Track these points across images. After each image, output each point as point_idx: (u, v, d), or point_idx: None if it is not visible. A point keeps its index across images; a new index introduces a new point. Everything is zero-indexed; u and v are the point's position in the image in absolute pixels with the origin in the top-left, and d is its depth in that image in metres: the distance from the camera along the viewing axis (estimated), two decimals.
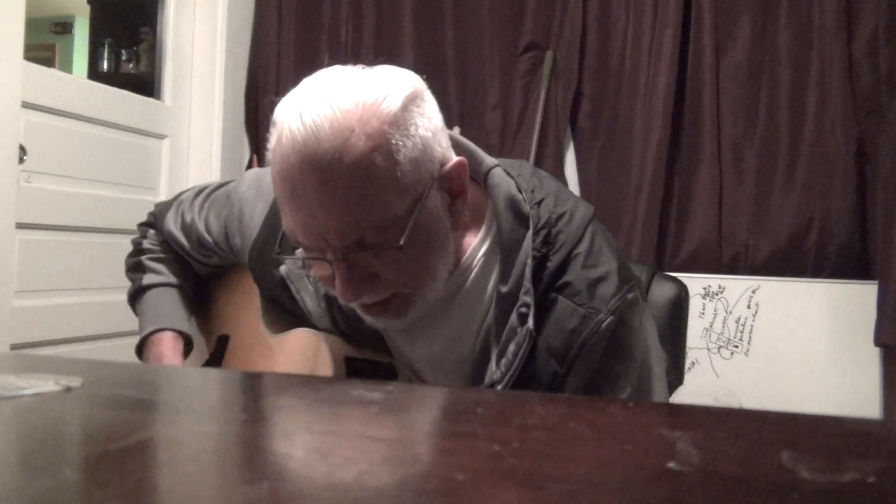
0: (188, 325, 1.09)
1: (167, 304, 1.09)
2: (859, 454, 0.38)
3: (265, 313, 1.04)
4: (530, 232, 0.83)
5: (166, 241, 1.12)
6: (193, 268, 1.14)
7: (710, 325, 2.19)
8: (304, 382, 0.70)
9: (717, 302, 2.20)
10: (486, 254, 0.87)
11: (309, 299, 0.94)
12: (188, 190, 1.14)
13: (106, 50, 2.86)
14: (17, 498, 0.30)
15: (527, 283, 0.81)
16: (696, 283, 2.19)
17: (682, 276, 1.31)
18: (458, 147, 0.87)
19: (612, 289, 0.82)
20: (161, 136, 2.53)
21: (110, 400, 0.54)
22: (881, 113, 2.13)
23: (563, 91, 2.45)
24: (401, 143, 0.74)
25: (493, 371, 0.83)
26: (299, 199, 0.74)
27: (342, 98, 0.74)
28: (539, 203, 0.85)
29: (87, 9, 3.03)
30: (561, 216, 0.85)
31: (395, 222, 0.75)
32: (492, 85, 2.53)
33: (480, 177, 0.89)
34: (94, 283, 2.17)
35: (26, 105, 1.95)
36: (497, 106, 2.52)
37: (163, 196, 2.51)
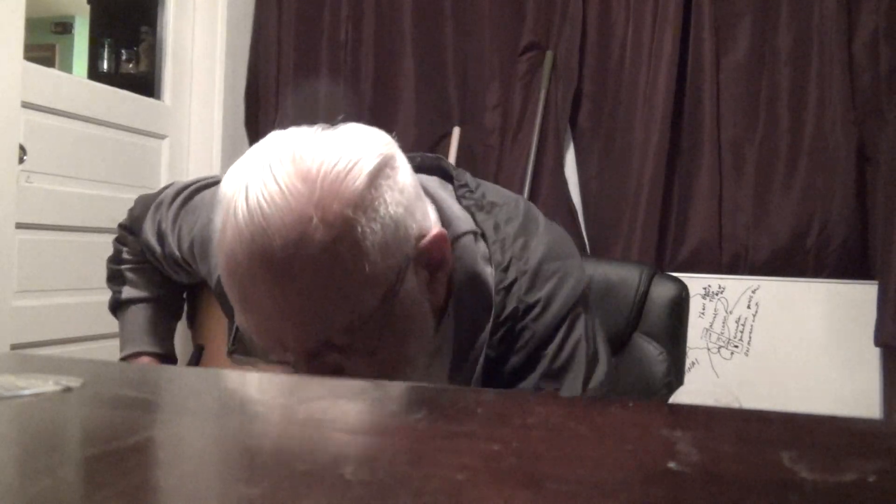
0: (166, 343, 1.08)
1: (145, 324, 1.06)
2: (859, 454, 0.38)
3: (229, 331, 1.02)
4: (489, 324, 0.72)
5: (143, 252, 1.07)
6: (168, 278, 1.08)
7: (710, 325, 2.19)
8: (305, 382, 0.70)
9: (717, 302, 2.20)
10: (453, 317, 0.77)
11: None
12: (170, 187, 1.05)
13: (106, 50, 2.86)
14: (16, 498, 0.30)
15: (476, 372, 0.72)
16: (696, 283, 2.19)
17: (682, 276, 1.31)
18: (429, 197, 0.76)
19: (559, 316, 0.73)
20: (161, 136, 2.53)
21: (110, 400, 0.54)
22: (881, 113, 2.13)
23: (563, 91, 2.45)
24: (367, 228, 0.63)
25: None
26: (250, 302, 0.64)
27: (296, 176, 0.62)
28: (509, 287, 0.72)
29: (87, 9, 3.03)
30: (532, 306, 0.72)
31: (365, 320, 0.65)
32: (492, 85, 2.53)
33: (451, 236, 0.76)
34: (94, 283, 2.17)
35: (26, 105, 1.95)
36: (497, 106, 2.52)
37: None
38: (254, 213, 0.61)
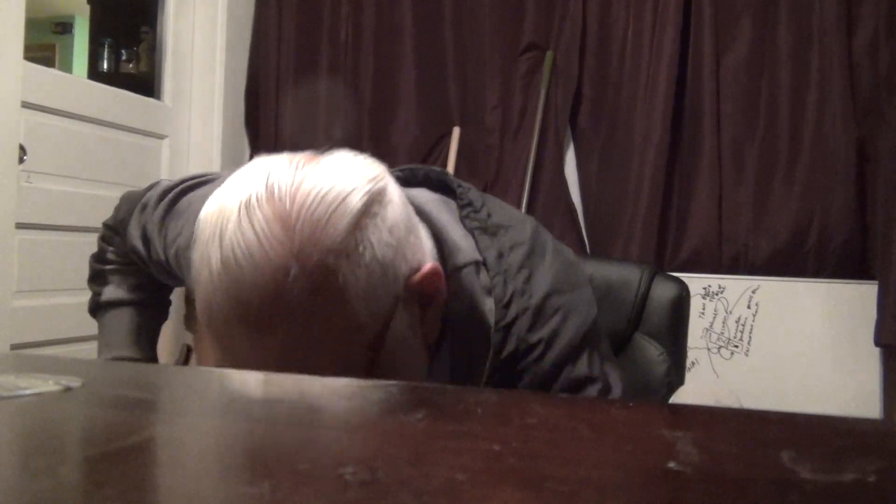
0: (148, 349, 1.04)
1: (126, 328, 1.03)
2: (859, 454, 0.38)
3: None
4: (487, 365, 0.69)
5: (128, 254, 1.02)
6: (154, 280, 1.04)
7: (710, 325, 2.19)
8: (305, 382, 0.70)
9: (717, 302, 2.20)
10: (447, 346, 0.74)
11: None
12: (155, 186, 0.98)
13: (106, 50, 2.86)
14: (16, 498, 0.30)
15: None
16: (696, 283, 2.19)
17: (682, 276, 1.31)
18: (428, 222, 0.73)
19: (566, 346, 0.71)
20: (161, 136, 2.53)
21: (110, 400, 0.54)
22: (881, 113, 2.13)
23: (563, 91, 2.45)
24: (351, 276, 0.59)
25: None
26: (229, 353, 0.61)
27: (274, 221, 0.57)
28: (510, 325, 0.69)
29: (87, 9, 3.04)
30: (534, 346, 0.69)
31: (351, 368, 0.62)
32: (492, 85, 2.53)
33: (447, 270, 0.72)
34: None
35: (26, 105, 1.95)
36: (497, 106, 2.52)
37: None
38: (228, 263, 0.58)
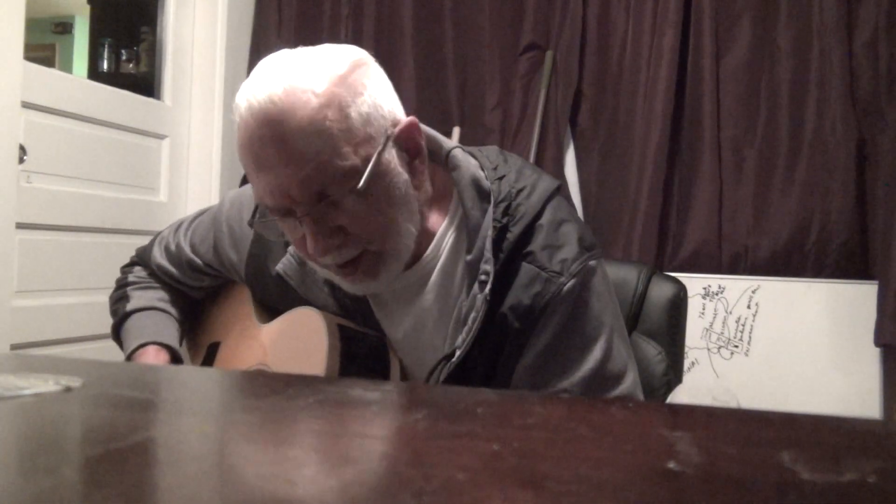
0: (172, 340, 1.07)
1: (150, 322, 1.08)
2: (859, 454, 0.38)
3: (257, 311, 1.05)
4: (491, 206, 0.86)
5: (154, 274, 1.14)
6: (184, 294, 1.15)
7: (710, 325, 2.19)
8: (305, 382, 0.70)
9: (716, 302, 2.20)
10: (455, 232, 0.90)
11: (309, 291, 0.95)
12: (165, 229, 1.16)
13: (106, 50, 2.86)
14: (17, 498, 0.30)
15: (487, 254, 0.84)
16: (695, 283, 2.19)
17: (682, 276, 1.31)
18: (430, 136, 0.90)
19: (572, 255, 0.86)
20: (161, 136, 2.53)
21: (110, 400, 0.54)
22: (881, 113, 2.13)
23: (563, 91, 2.45)
24: (350, 99, 0.78)
25: (457, 340, 0.85)
26: (261, 161, 0.78)
27: (292, 69, 0.79)
28: (500, 178, 0.88)
29: (87, 9, 3.03)
30: (521, 190, 0.88)
31: (352, 174, 0.78)
32: (492, 85, 2.53)
33: (442, 159, 0.92)
34: (94, 283, 2.17)
35: (26, 105, 1.95)
36: (497, 106, 2.52)
37: (163, 196, 2.51)
38: (262, 93, 0.77)
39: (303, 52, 0.82)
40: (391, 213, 0.82)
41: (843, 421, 0.44)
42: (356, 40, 2.68)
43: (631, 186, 2.34)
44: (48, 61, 4.51)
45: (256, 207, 0.89)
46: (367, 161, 0.79)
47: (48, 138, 2.06)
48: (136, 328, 1.07)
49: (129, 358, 1.05)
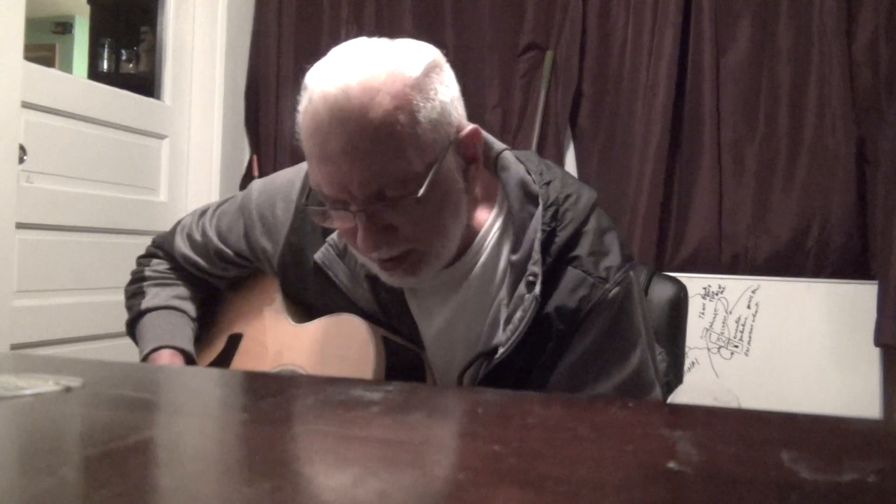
0: (187, 343, 1.07)
1: (165, 324, 1.08)
2: (859, 454, 0.38)
3: (289, 308, 1.04)
4: (540, 209, 0.88)
5: (174, 268, 1.12)
6: (204, 285, 1.13)
7: (710, 325, 2.19)
8: (305, 383, 0.70)
9: (716, 302, 2.20)
10: (499, 230, 0.92)
11: (348, 282, 0.96)
12: (185, 216, 1.15)
13: (106, 50, 2.86)
14: (16, 498, 0.30)
15: (535, 255, 0.86)
16: (695, 283, 2.19)
17: (682, 276, 1.31)
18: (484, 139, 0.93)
19: (616, 263, 0.88)
20: (161, 136, 2.53)
21: (110, 400, 0.54)
22: (881, 113, 2.12)
23: (563, 91, 2.45)
24: (421, 104, 0.79)
25: (499, 336, 0.87)
26: (327, 152, 0.78)
27: (369, 64, 0.79)
28: (547, 184, 0.91)
29: (87, 9, 3.03)
30: (568, 196, 0.90)
31: (413, 178, 0.79)
32: (492, 85, 2.53)
33: (491, 160, 0.95)
34: (94, 283, 2.17)
35: (26, 105, 1.95)
36: (497, 106, 2.52)
37: (163, 196, 2.51)
38: (338, 85, 0.77)
39: (381, 45, 0.82)
40: (443, 218, 0.84)
41: (843, 421, 0.44)
42: None
43: (631, 186, 2.34)
44: (48, 61, 4.51)
45: (308, 191, 0.90)
46: (429, 168, 0.80)
47: (48, 138, 2.06)
48: (150, 329, 1.07)
49: (144, 360, 1.04)
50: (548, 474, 0.34)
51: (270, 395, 0.62)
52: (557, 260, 0.87)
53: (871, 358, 2.03)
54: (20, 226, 1.93)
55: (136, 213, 2.35)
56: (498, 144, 0.96)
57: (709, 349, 2.19)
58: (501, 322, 0.88)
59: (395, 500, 0.31)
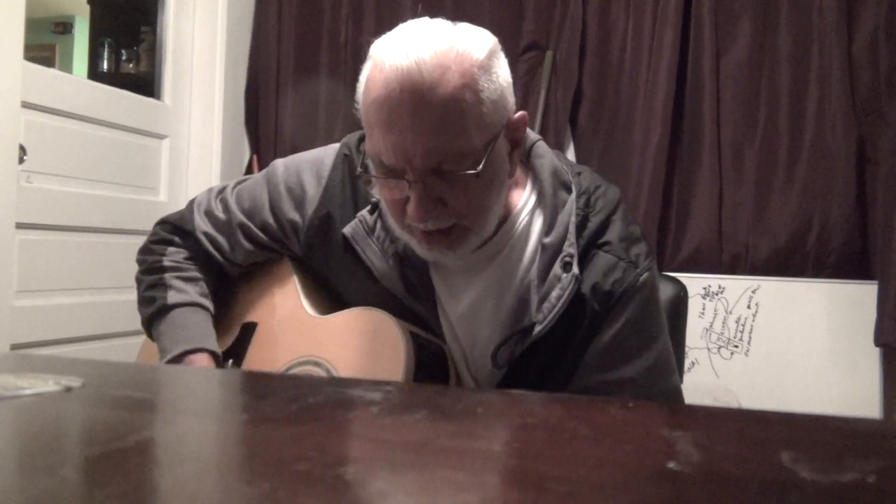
0: (217, 346, 1.04)
1: (200, 324, 1.04)
2: (859, 454, 0.38)
3: (308, 299, 1.03)
4: (573, 195, 0.93)
5: (191, 258, 1.09)
6: (219, 274, 1.10)
7: (710, 325, 2.19)
8: (304, 383, 0.70)
9: (717, 302, 2.20)
10: (531, 213, 0.96)
11: (375, 259, 0.97)
12: (197, 195, 1.15)
13: (106, 50, 2.85)
14: (17, 498, 0.30)
15: (571, 237, 0.90)
16: (696, 283, 2.19)
17: (682, 276, 1.31)
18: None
19: (644, 251, 0.94)
20: (161, 136, 2.53)
21: (110, 400, 0.54)
22: (881, 113, 2.12)
23: (563, 91, 2.45)
24: (486, 85, 0.83)
25: (535, 315, 0.90)
26: (394, 121, 0.81)
27: (440, 41, 0.82)
28: (578, 174, 0.96)
29: (87, 9, 3.03)
30: (598, 187, 0.96)
31: (471, 154, 0.82)
32: None
33: (525, 148, 0.98)
34: (94, 283, 2.17)
35: (26, 105, 1.95)
36: None
37: (163, 196, 2.51)
38: (410, 58, 0.80)
39: (448, 25, 0.87)
40: (490, 196, 0.87)
41: (843, 421, 0.44)
42: (356, 40, 2.68)
43: (631, 186, 2.34)
44: (48, 61, 4.51)
45: (363, 160, 0.92)
46: (486, 146, 0.83)
47: (48, 138, 2.06)
48: (183, 329, 1.03)
49: (175, 360, 1.00)
50: (548, 474, 0.34)
51: (270, 395, 0.62)
52: (589, 244, 0.91)
53: (871, 358, 2.03)
54: (20, 226, 1.93)
55: (136, 213, 2.35)
56: (532, 134, 1.00)
57: (709, 349, 2.19)
58: (533, 302, 0.91)
59: (395, 501, 0.31)
